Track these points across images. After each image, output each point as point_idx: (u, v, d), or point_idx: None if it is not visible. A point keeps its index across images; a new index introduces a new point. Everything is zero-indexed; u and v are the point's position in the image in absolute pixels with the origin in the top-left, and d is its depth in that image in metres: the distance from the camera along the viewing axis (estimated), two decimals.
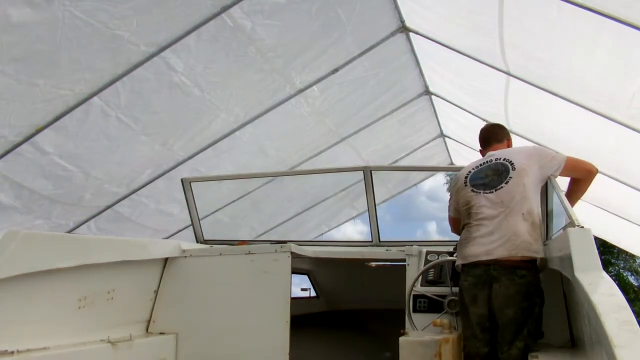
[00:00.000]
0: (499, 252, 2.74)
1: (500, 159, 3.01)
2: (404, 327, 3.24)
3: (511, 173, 2.90)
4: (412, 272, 3.46)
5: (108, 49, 4.09)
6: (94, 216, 5.65)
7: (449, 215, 3.26)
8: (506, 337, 2.70)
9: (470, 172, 3.06)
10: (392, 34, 5.53)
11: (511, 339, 2.67)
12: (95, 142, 4.81)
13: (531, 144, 3.10)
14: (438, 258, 3.44)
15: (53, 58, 3.91)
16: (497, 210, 2.84)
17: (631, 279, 16.55)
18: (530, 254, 2.73)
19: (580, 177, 2.99)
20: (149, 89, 4.64)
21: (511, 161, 2.95)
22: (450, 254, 3.41)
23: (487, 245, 2.80)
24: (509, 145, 3.25)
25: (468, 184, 3.02)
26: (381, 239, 4.17)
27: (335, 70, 5.65)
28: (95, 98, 4.40)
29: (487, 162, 3.05)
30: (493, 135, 3.28)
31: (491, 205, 2.87)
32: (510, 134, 3.40)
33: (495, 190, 2.89)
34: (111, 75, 4.33)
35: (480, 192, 2.93)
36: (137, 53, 4.26)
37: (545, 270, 2.90)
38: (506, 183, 2.88)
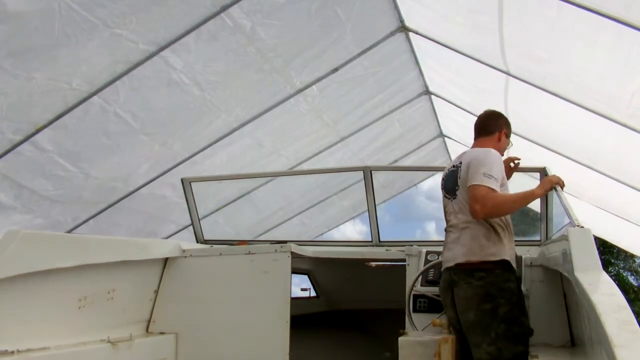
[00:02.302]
0: (459, 256, 2.77)
1: (459, 164, 2.91)
2: (403, 327, 3.25)
3: (459, 182, 2.87)
4: (412, 272, 3.47)
5: (107, 46, 4.07)
6: (93, 216, 5.64)
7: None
8: (472, 340, 2.71)
9: (446, 174, 3.03)
10: (392, 34, 5.53)
11: (477, 342, 2.66)
12: (94, 140, 4.80)
13: (484, 150, 2.88)
14: (438, 258, 3.44)
15: (51, 54, 3.90)
16: (457, 219, 2.84)
17: (631, 279, 16.56)
18: (485, 257, 2.70)
19: (469, 207, 2.76)
20: (148, 87, 4.63)
21: (461, 167, 2.87)
22: None
23: (452, 251, 2.84)
24: (500, 138, 3.02)
25: (443, 186, 3.03)
26: (381, 239, 4.17)
27: (335, 70, 5.64)
28: (94, 97, 4.39)
29: (455, 165, 2.96)
30: (483, 127, 3.06)
31: (454, 213, 2.88)
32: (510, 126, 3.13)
33: (455, 198, 2.89)
34: (110, 74, 4.31)
35: (449, 199, 2.94)
36: (136, 52, 4.24)
37: (545, 270, 2.90)
38: (457, 190, 2.87)
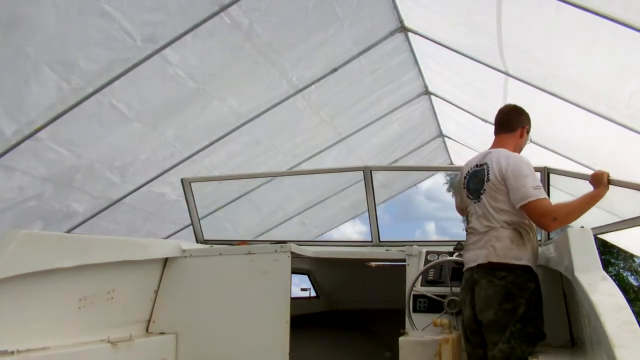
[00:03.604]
0: (481, 257, 2.78)
1: (484, 164, 2.89)
2: (404, 327, 3.24)
3: (485, 185, 2.84)
4: (412, 272, 3.46)
5: (104, 40, 4.06)
6: (91, 217, 5.64)
7: (456, 205, 3.25)
8: (490, 338, 2.71)
9: (469, 172, 3.00)
10: (391, 34, 5.54)
11: (495, 340, 2.67)
12: (89, 130, 4.76)
13: (516, 158, 2.84)
14: (438, 258, 3.45)
15: (47, 51, 3.89)
16: (480, 223, 2.84)
17: (631, 279, 16.56)
18: (507, 260, 2.70)
19: (536, 223, 2.80)
20: (146, 83, 4.61)
21: (489, 171, 2.85)
22: (450, 254, 3.41)
23: (474, 252, 2.84)
24: (522, 134, 3.02)
25: (465, 186, 3.00)
26: (381, 239, 4.17)
27: (335, 70, 5.66)
28: (89, 87, 4.34)
29: (479, 164, 2.94)
30: (504, 123, 3.03)
31: (477, 217, 2.87)
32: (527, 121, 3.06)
33: (479, 201, 2.87)
34: (107, 69, 4.29)
35: (472, 200, 2.92)
36: (134, 50, 4.22)
37: (545, 270, 2.90)
38: (482, 194, 2.85)
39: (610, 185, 2.75)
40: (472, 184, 2.94)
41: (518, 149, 3.02)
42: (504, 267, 2.70)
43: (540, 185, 2.74)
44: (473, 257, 2.83)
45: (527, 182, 2.71)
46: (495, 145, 3.01)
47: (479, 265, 2.77)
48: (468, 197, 2.95)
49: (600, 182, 2.75)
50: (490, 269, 2.73)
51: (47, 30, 3.84)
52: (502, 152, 2.91)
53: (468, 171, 3.01)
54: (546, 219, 2.69)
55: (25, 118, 4.21)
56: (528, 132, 3.06)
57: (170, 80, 4.71)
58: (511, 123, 3.02)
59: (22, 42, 3.80)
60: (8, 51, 3.81)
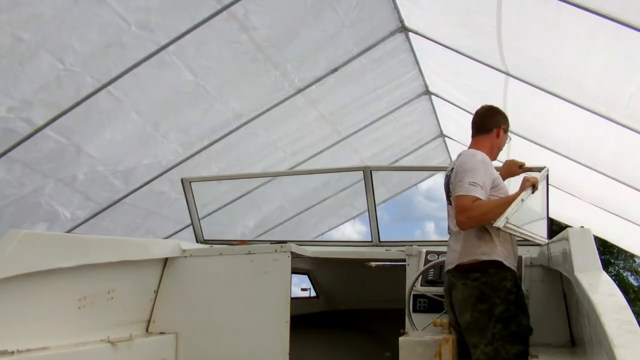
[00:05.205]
0: (455, 260, 2.78)
1: (452, 168, 2.89)
2: (404, 327, 3.25)
3: (450, 187, 2.85)
4: (412, 272, 3.47)
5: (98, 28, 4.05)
6: (93, 215, 5.65)
7: None
8: (469, 341, 2.71)
9: (446, 176, 2.99)
10: (392, 34, 5.54)
11: (475, 342, 2.66)
12: (87, 119, 4.73)
13: (470, 155, 2.84)
14: (438, 258, 3.45)
15: (41, 34, 3.89)
16: (453, 223, 2.84)
17: (631, 279, 16.57)
18: (476, 257, 2.70)
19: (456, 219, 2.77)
20: (147, 78, 4.61)
21: (452, 173, 2.85)
22: None
23: (450, 254, 2.86)
24: (499, 134, 2.97)
25: (444, 189, 3.01)
26: (381, 239, 4.17)
27: (335, 70, 5.66)
28: (87, 77, 4.34)
29: (451, 168, 2.93)
30: (479, 125, 3.00)
31: (451, 217, 2.87)
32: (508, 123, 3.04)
33: (450, 204, 2.88)
34: (101, 52, 4.26)
35: (448, 203, 2.93)
36: (128, 35, 4.20)
37: (545, 270, 2.91)
38: (450, 196, 2.85)
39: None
40: (446, 187, 2.95)
41: (496, 149, 2.99)
42: (476, 268, 2.69)
43: (479, 183, 2.64)
44: (450, 260, 2.84)
45: (465, 176, 2.67)
46: (470, 147, 2.99)
47: (455, 268, 2.78)
48: (447, 199, 2.95)
49: (523, 187, 2.75)
50: (463, 271, 2.73)
51: (43, 16, 3.82)
52: (467, 152, 2.89)
53: (446, 175, 3.01)
54: (461, 217, 2.65)
55: (18, 94, 4.17)
56: (506, 131, 3.02)
57: (169, 72, 4.70)
58: (486, 124, 2.98)
59: (17, 28, 3.79)
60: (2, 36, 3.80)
